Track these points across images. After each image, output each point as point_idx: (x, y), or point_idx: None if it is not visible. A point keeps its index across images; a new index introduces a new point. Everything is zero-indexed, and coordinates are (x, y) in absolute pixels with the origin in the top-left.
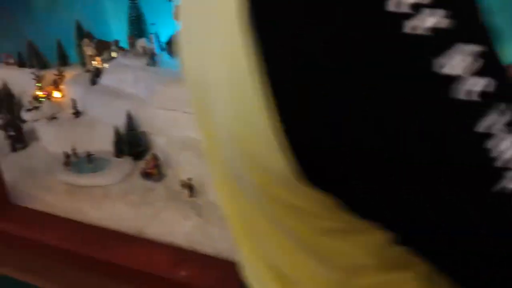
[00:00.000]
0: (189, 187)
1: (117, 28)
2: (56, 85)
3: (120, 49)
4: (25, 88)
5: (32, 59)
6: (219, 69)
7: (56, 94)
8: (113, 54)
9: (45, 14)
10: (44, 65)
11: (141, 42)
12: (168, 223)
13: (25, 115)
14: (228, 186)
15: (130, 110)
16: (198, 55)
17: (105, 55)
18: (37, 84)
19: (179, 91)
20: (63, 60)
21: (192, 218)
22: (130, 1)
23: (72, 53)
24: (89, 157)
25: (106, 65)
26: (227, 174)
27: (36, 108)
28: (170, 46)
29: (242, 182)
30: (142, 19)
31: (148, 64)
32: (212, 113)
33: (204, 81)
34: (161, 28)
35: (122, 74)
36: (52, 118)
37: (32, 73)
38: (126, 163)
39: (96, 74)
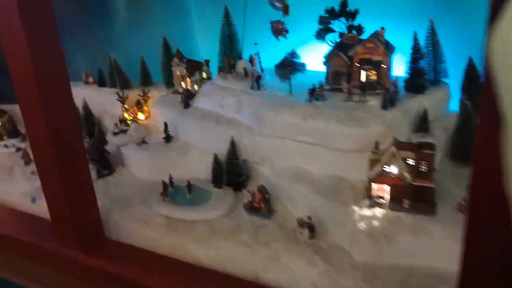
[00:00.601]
0: (309, 227)
1: (204, 46)
2: (140, 106)
3: (220, 70)
4: (106, 108)
5: (113, 77)
6: None
7: (140, 116)
8: (204, 75)
9: (128, 31)
10: (126, 84)
11: (242, 63)
12: (290, 269)
13: (112, 139)
14: None
15: (233, 137)
16: None
17: (196, 76)
18: (123, 106)
19: (288, 117)
20: (146, 79)
21: (318, 264)
22: (223, 19)
23: (155, 71)
24: (189, 187)
25: (196, 87)
26: None
27: (123, 131)
28: (280, 69)
29: None
30: (235, 38)
31: (251, 88)
32: None
33: None
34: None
35: (222, 98)
36: (142, 142)
37: (116, 93)
38: (228, 194)
39: (188, 96)
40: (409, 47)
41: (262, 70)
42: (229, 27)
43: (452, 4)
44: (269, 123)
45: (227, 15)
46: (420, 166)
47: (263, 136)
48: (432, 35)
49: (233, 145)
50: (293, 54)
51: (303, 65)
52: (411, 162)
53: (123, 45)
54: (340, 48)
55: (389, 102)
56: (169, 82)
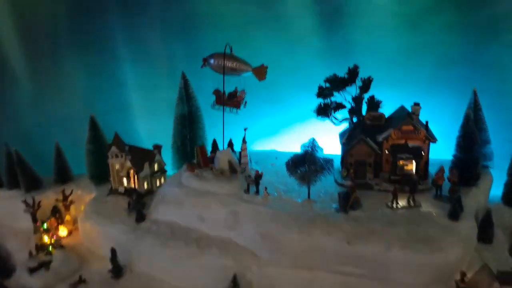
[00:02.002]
0: None
1: (148, 127)
2: (59, 215)
3: (190, 166)
4: (6, 221)
5: (14, 174)
6: None
7: (62, 231)
8: (155, 167)
9: (33, 108)
10: (34, 183)
11: (225, 155)
12: None
13: (28, 280)
14: None
15: (236, 273)
16: None
17: (145, 170)
18: (40, 225)
19: (323, 240)
20: (64, 174)
21: None
22: (181, 89)
23: (77, 161)
24: None
25: (146, 185)
26: None
27: (44, 265)
28: (298, 169)
29: None
30: (197, 115)
31: (246, 191)
32: None
33: None
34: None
35: (203, 208)
36: (78, 282)
37: (24, 201)
38: None
39: (138, 201)
40: (448, 125)
41: (250, 161)
42: (189, 101)
43: (487, 69)
44: (290, 247)
45: (186, 84)
46: None
47: (279, 266)
48: (475, 111)
49: (235, 283)
50: (313, 147)
51: (331, 162)
52: None
53: (25, 128)
54: (361, 130)
55: (459, 208)
56: (99, 176)
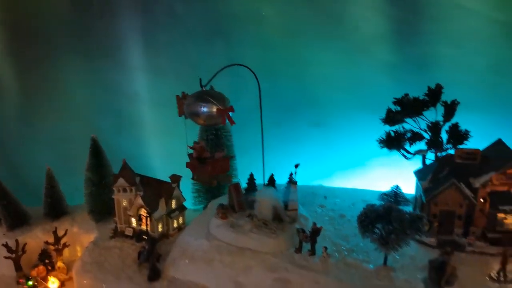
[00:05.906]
0: None
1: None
2: (49, 262)
3: (223, 211)
4: None
5: None
6: None
7: (52, 283)
8: (173, 204)
9: (20, 124)
10: (18, 219)
11: (269, 198)
12: None
13: None
14: None
15: None
16: None
17: (160, 210)
18: (26, 285)
19: None
20: (57, 206)
21: None
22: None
23: (71, 190)
24: None
25: (160, 227)
26: None
27: None
28: (371, 224)
29: None
30: (225, 141)
31: (297, 250)
32: None
33: None
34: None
35: (241, 271)
36: None
37: (4, 244)
38: None
39: (151, 252)
40: None
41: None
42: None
43: None
44: None
45: None
46: None
47: None
48: None
49: None
50: (399, 198)
51: (422, 219)
52: None
53: (11, 150)
54: (451, 172)
55: None
56: (101, 211)
